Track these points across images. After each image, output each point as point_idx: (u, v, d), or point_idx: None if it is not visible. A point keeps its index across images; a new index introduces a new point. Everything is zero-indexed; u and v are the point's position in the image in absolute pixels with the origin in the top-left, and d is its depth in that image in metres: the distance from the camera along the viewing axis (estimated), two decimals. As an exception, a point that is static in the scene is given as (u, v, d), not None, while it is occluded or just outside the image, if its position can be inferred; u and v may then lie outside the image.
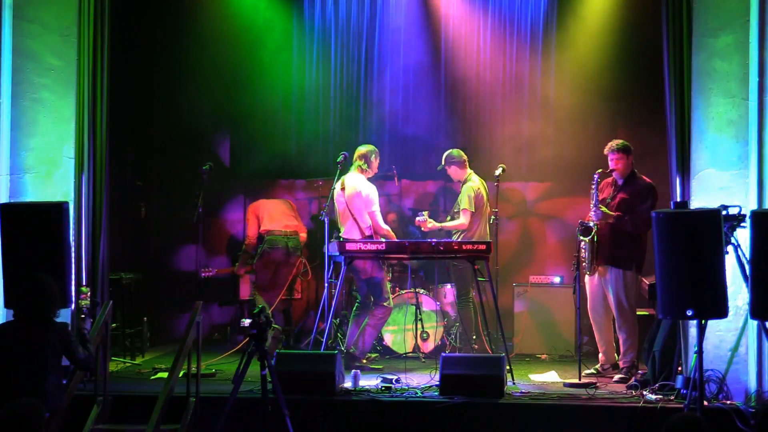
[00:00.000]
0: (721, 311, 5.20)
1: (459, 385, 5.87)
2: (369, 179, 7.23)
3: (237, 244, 8.98)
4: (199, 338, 5.72)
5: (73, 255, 5.97)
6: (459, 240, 7.47)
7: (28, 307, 4.91)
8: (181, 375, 5.54)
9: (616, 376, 6.69)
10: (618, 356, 6.87)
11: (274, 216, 8.19)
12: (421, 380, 6.43)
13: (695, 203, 6.01)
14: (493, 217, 7.71)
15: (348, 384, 6.20)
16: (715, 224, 5.18)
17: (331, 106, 9.07)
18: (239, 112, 9.13)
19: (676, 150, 6.18)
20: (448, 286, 8.10)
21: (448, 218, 7.86)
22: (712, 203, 5.77)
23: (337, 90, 9.04)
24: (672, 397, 5.82)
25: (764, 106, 5.90)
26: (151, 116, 9.24)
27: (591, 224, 6.72)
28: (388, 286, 7.72)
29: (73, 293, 6.08)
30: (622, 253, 6.71)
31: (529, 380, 6.71)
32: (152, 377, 6.75)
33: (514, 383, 6.39)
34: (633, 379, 6.44)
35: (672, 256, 5.20)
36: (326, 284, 7.08)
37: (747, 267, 5.37)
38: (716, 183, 6.02)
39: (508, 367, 6.33)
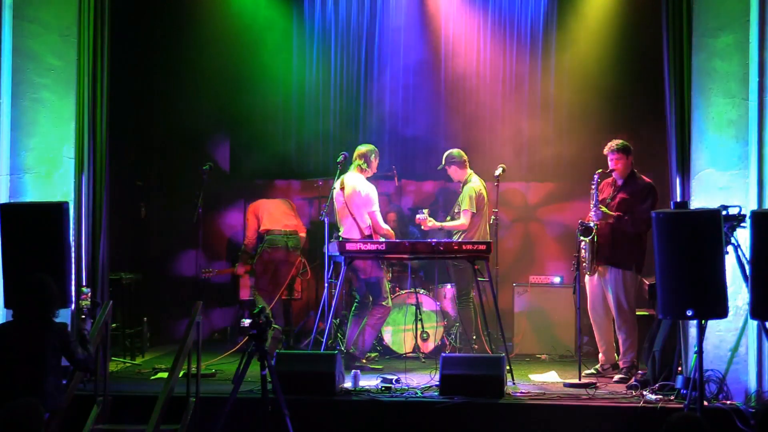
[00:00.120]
0: (721, 311, 5.20)
1: (459, 385, 5.87)
2: (368, 179, 7.24)
3: (237, 244, 8.98)
4: (199, 338, 5.72)
5: (73, 255, 5.96)
6: (459, 240, 7.47)
7: (27, 307, 4.92)
8: (181, 375, 5.54)
9: (616, 376, 6.69)
10: (618, 356, 6.87)
11: (273, 215, 8.19)
12: (421, 380, 6.43)
13: (695, 203, 6.01)
14: (493, 217, 7.71)
15: (348, 384, 6.20)
16: (715, 224, 5.18)
17: (331, 106, 9.07)
18: (239, 112, 9.14)
19: (676, 150, 6.19)
20: (448, 286, 8.10)
21: (448, 218, 7.86)
22: (712, 203, 5.77)
23: (337, 90, 9.04)
24: (672, 397, 5.83)
25: (764, 106, 5.90)
26: (151, 116, 9.24)
27: (591, 224, 6.72)
28: (388, 285, 7.73)
29: (73, 293, 6.08)
30: (621, 253, 6.71)
31: (529, 380, 6.71)
32: (152, 377, 6.75)
33: (514, 383, 6.39)
34: (633, 379, 6.44)
35: (672, 256, 5.20)
36: (326, 284, 7.08)
37: (747, 267, 5.37)
38: (716, 183, 6.02)
39: (508, 367, 6.33)
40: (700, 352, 5.21)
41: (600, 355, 6.99)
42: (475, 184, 7.66)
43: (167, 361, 7.10)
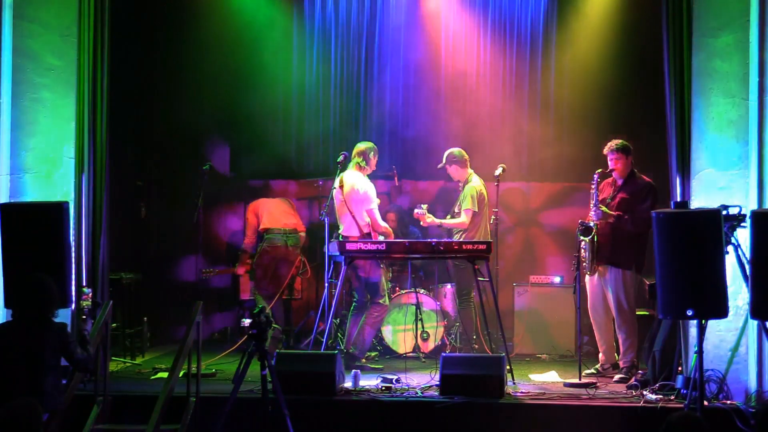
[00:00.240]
0: (721, 311, 5.20)
1: (459, 385, 5.87)
2: (368, 176, 7.25)
3: (237, 243, 8.98)
4: (199, 338, 5.72)
5: (73, 255, 5.96)
6: (460, 240, 7.47)
7: (26, 307, 4.91)
8: (181, 375, 5.54)
9: (617, 376, 6.69)
10: (618, 356, 6.87)
11: (273, 214, 8.19)
12: (421, 380, 6.43)
13: (695, 203, 6.01)
14: (493, 217, 7.71)
15: (348, 384, 6.20)
16: (715, 224, 5.18)
17: (331, 106, 9.07)
18: (239, 112, 9.13)
19: (676, 150, 6.19)
20: (448, 285, 8.10)
21: (448, 217, 7.85)
22: (712, 203, 5.77)
23: (337, 89, 9.04)
24: (672, 397, 5.82)
25: (764, 106, 5.90)
26: (152, 116, 9.23)
27: (591, 224, 6.73)
28: (388, 285, 7.74)
29: (73, 293, 6.08)
30: (621, 253, 6.72)
31: (529, 380, 6.71)
32: (152, 377, 6.75)
33: (514, 383, 6.39)
34: (633, 379, 6.44)
35: (672, 256, 5.20)
36: (326, 284, 7.08)
37: (747, 267, 5.37)
38: (716, 183, 6.02)
39: (508, 367, 6.32)
40: (700, 352, 5.21)
41: (600, 354, 7.00)
42: (475, 183, 7.66)
43: (167, 361, 7.10)
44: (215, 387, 6.12)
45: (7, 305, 5.73)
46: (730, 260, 5.44)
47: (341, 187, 7.11)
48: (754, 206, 5.78)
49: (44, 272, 5.04)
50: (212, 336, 9.01)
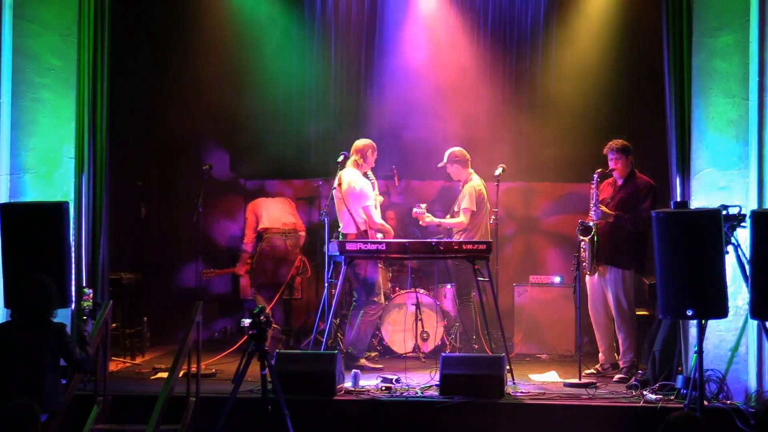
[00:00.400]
0: (721, 311, 5.20)
1: (459, 385, 5.87)
2: (366, 173, 7.27)
3: (237, 243, 8.98)
4: (199, 338, 5.72)
5: (73, 255, 5.96)
6: (460, 240, 7.46)
7: (25, 307, 4.92)
8: (181, 375, 5.54)
9: (616, 376, 6.69)
10: (618, 356, 6.88)
11: (272, 214, 8.20)
12: (421, 380, 6.43)
13: (695, 203, 6.01)
14: (493, 217, 7.71)
15: (348, 384, 6.20)
16: (715, 224, 5.18)
17: (331, 106, 9.06)
18: (239, 112, 9.11)
19: (676, 150, 6.19)
20: (448, 285, 8.10)
21: (448, 216, 7.85)
22: (712, 203, 5.77)
23: (337, 89, 9.02)
24: (672, 397, 5.82)
25: (764, 105, 5.90)
26: (152, 116, 9.22)
27: (590, 224, 6.73)
28: (388, 285, 7.75)
29: (74, 293, 6.08)
30: (621, 253, 6.72)
31: (529, 380, 6.71)
32: (152, 377, 6.75)
33: (514, 383, 6.39)
34: (633, 379, 6.44)
35: (672, 256, 5.20)
36: (326, 284, 7.08)
37: (747, 267, 5.37)
38: (716, 183, 6.02)
39: (508, 367, 6.33)
40: (700, 351, 5.21)
41: (600, 354, 7.00)
42: (475, 182, 7.66)
43: (167, 360, 7.10)
44: (215, 387, 6.12)
45: (6, 305, 5.73)
46: (730, 260, 5.44)
47: (339, 185, 7.13)
48: (754, 206, 5.78)
49: (44, 272, 5.04)
50: (212, 336, 9.00)
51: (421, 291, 7.87)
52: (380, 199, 7.56)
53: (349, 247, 6.73)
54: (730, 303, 5.40)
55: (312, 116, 9.10)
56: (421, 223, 7.66)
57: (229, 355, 7.56)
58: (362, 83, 8.95)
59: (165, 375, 6.24)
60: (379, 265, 7.55)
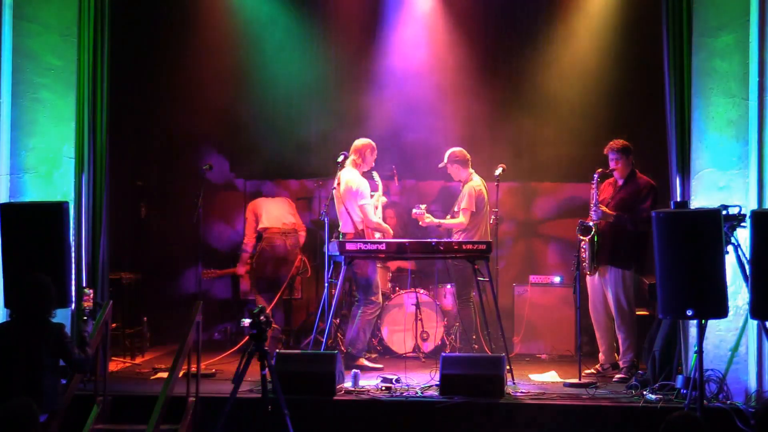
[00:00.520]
0: (721, 311, 5.20)
1: (459, 385, 5.87)
2: (372, 175, 7.29)
3: (237, 243, 8.98)
4: (199, 338, 5.72)
5: (73, 255, 5.96)
6: (459, 240, 7.46)
7: (24, 306, 4.92)
8: (181, 375, 5.54)
9: (617, 376, 6.69)
10: (618, 356, 6.88)
11: (272, 214, 8.20)
12: (421, 380, 6.43)
13: (695, 203, 6.02)
14: (493, 217, 7.71)
15: (348, 384, 6.20)
16: (715, 224, 5.18)
17: (331, 106, 9.06)
18: (240, 111, 9.12)
19: (676, 150, 6.19)
20: (448, 285, 8.10)
21: (448, 217, 7.85)
22: (712, 203, 5.77)
23: (338, 89, 9.02)
24: (672, 397, 5.82)
25: (764, 105, 5.90)
26: (152, 116, 9.22)
27: (590, 224, 6.73)
28: (388, 285, 7.74)
29: (74, 293, 6.08)
30: (621, 253, 6.72)
31: (529, 380, 6.71)
32: (152, 377, 6.75)
33: (514, 383, 6.39)
34: (633, 379, 6.44)
35: (672, 255, 5.20)
36: (326, 284, 7.08)
37: (747, 267, 5.37)
38: (716, 183, 6.02)
39: (508, 367, 6.33)
40: (700, 351, 5.21)
41: (600, 354, 7.00)
42: (475, 183, 7.66)
43: (167, 360, 7.10)
44: (215, 387, 6.12)
45: (6, 305, 5.73)
46: (730, 260, 5.44)
47: (338, 185, 7.14)
48: (754, 206, 5.78)
49: (44, 272, 5.04)
50: (212, 336, 9.00)
51: (421, 291, 7.87)
52: (383, 200, 7.57)
53: (348, 247, 6.73)
54: (730, 303, 5.40)
55: (312, 116, 9.10)
56: (421, 223, 7.66)
57: (229, 355, 7.56)
58: (362, 83, 8.93)
59: (165, 375, 6.24)
60: (379, 265, 7.56)
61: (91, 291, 6.33)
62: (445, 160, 7.71)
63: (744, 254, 5.46)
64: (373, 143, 7.35)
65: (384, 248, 6.80)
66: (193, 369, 5.67)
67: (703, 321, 5.26)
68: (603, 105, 8.63)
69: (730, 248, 5.45)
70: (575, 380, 6.47)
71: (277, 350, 6.51)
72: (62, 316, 5.72)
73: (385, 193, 7.65)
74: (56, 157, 6.45)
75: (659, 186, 6.72)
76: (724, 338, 5.93)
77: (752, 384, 5.81)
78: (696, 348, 5.29)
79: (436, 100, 8.95)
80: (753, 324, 5.78)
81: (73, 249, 5.98)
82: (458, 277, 7.76)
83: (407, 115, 8.90)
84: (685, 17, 6.15)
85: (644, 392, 5.95)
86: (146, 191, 9.31)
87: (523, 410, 5.78)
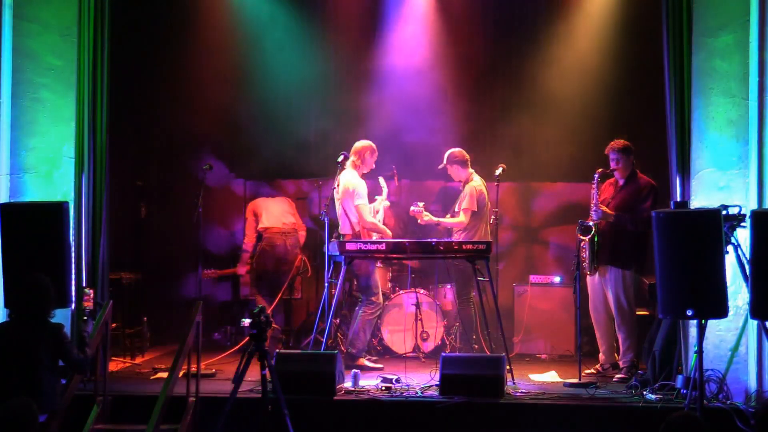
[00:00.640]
0: (721, 311, 5.20)
1: (459, 385, 5.87)
2: (365, 175, 7.29)
3: (237, 243, 8.98)
4: (199, 338, 5.72)
5: (73, 255, 5.96)
6: (460, 240, 7.46)
7: (22, 307, 4.92)
8: (181, 375, 5.54)
9: (617, 376, 6.69)
10: (618, 356, 6.88)
11: (272, 214, 8.20)
12: (421, 380, 6.43)
13: (695, 203, 6.02)
14: (493, 217, 7.71)
15: (348, 384, 6.20)
16: (715, 224, 5.18)
17: (331, 106, 9.06)
18: (240, 111, 9.13)
19: (676, 150, 6.18)
20: (448, 285, 8.10)
21: (448, 216, 7.85)
22: (712, 203, 5.77)
23: (338, 89, 9.02)
24: (672, 397, 5.82)
25: (764, 105, 5.90)
26: (152, 115, 9.23)
27: (590, 223, 6.73)
28: (388, 285, 7.73)
29: (74, 293, 6.07)
30: (622, 253, 6.72)
31: (529, 380, 6.71)
32: (152, 377, 6.75)
33: (514, 383, 6.39)
34: (633, 379, 6.44)
35: (672, 255, 5.20)
36: (326, 284, 7.09)
37: (747, 267, 5.37)
38: (716, 183, 6.02)
39: (508, 367, 6.33)
40: (700, 351, 5.21)
41: (600, 354, 7.00)
42: (476, 182, 7.66)
43: (167, 360, 7.10)
44: (215, 387, 6.13)
45: (6, 305, 5.73)
46: (730, 260, 5.44)
47: (338, 186, 7.16)
48: (754, 206, 5.78)
49: (44, 272, 5.04)
50: (212, 336, 9.00)
51: (421, 291, 7.87)
52: (386, 204, 7.58)
53: (348, 246, 6.74)
54: (730, 303, 5.40)
55: (312, 116, 9.10)
56: (419, 221, 7.66)
57: (229, 355, 7.56)
58: (362, 83, 8.93)
59: (165, 375, 6.24)
60: (379, 265, 7.56)
61: (92, 291, 6.33)
62: (445, 161, 7.71)
63: (744, 254, 5.46)
64: (374, 145, 7.36)
65: (383, 248, 6.80)
66: (193, 369, 5.67)
67: (703, 321, 5.26)
68: (603, 104, 8.64)
69: (730, 248, 5.45)
70: (575, 380, 6.47)
71: (277, 350, 6.51)
72: (62, 316, 5.73)
73: (380, 188, 7.64)
74: (56, 157, 6.45)
75: (659, 186, 6.72)
76: (724, 338, 5.93)
77: (752, 384, 5.80)
78: (696, 348, 5.29)
79: (436, 99, 8.95)
80: (753, 324, 5.78)
81: (73, 249, 5.99)
82: (458, 277, 7.76)
83: (407, 114, 8.90)
84: (685, 17, 6.15)
85: (644, 392, 5.95)
86: (146, 191, 9.31)
87: (523, 410, 5.78)
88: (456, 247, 6.92)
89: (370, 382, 6.32)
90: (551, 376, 6.82)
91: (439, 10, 9.02)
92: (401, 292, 7.94)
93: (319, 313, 7.12)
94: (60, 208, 5.58)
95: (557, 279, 8.28)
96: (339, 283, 6.86)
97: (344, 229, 7.16)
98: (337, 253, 6.80)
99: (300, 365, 6.03)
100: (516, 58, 8.96)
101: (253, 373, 5.40)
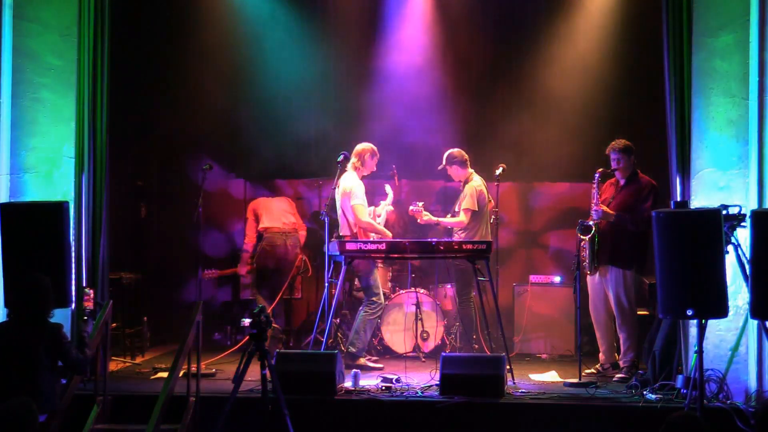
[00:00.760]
0: (721, 311, 5.20)
1: (459, 384, 5.87)
2: (366, 176, 7.31)
3: (237, 243, 8.98)
4: (199, 338, 5.72)
5: (73, 255, 5.96)
6: (460, 239, 7.46)
7: (21, 306, 4.92)
8: (181, 375, 5.54)
9: (617, 376, 6.69)
10: (618, 356, 6.88)
11: (272, 214, 8.20)
12: (422, 380, 6.43)
13: (695, 203, 6.02)
14: (493, 216, 7.71)
15: (348, 384, 6.20)
16: (715, 224, 5.18)
17: (331, 105, 9.05)
18: (239, 111, 9.13)
19: (676, 150, 6.19)
20: (449, 285, 8.10)
21: (448, 216, 7.85)
22: (712, 203, 5.77)
23: (338, 89, 9.02)
24: (672, 397, 5.82)
25: (764, 105, 5.90)
26: (152, 115, 9.22)
27: (590, 223, 6.73)
28: (388, 285, 7.72)
29: (74, 293, 6.07)
30: (622, 253, 6.72)
31: (529, 380, 6.71)
32: (152, 377, 6.75)
33: (514, 383, 6.39)
34: (633, 378, 6.44)
35: (672, 255, 5.20)
36: (326, 284, 7.09)
37: (747, 267, 5.37)
38: (716, 182, 6.02)
39: (508, 367, 6.33)
40: (700, 351, 5.21)
41: (600, 354, 7.00)
42: (476, 182, 7.66)
43: (167, 360, 7.10)
44: (215, 387, 6.13)
45: (6, 305, 5.73)
46: (730, 260, 5.44)
47: (337, 188, 7.19)
48: (754, 206, 5.78)
49: (44, 272, 5.04)
50: (212, 335, 9.00)
51: (421, 291, 7.87)
52: (389, 209, 7.59)
53: (348, 246, 6.74)
54: (730, 303, 5.40)
55: (312, 116, 9.10)
56: (419, 221, 7.66)
57: (229, 355, 7.56)
58: (362, 83, 8.93)
59: (165, 375, 6.24)
60: (379, 265, 7.56)
61: (92, 291, 6.34)
62: (444, 162, 7.71)
63: (744, 254, 5.46)
64: (375, 148, 7.36)
65: (384, 248, 6.80)
66: (193, 369, 5.67)
67: (703, 321, 5.26)
68: (603, 104, 8.64)
69: (730, 248, 5.45)
70: (575, 380, 6.47)
71: (277, 350, 6.51)
72: (63, 316, 5.73)
73: (385, 194, 7.66)
74: (56, 157, 6.45)
75: (659, 186, 6.72)
76: (724, 338, 5.93)
77: (752, 384, 5.80)
78: (696, 348, 5.29)
79: (436, 99, 8.95)
80: (753, 324, 5.78)
81: (73, 249, 5.98)
82: (458, 276, 7.77)
83: (407, 114, 8.89)
84: (685, 17, 6.15)
85: (644, 392, 5.95)
86: (146, 191, 9.31)
87: (523, 410, 5.78)
88: (456, 246, 6.92)
89: (370, 382, 6.32)
90: (551, 376, 6.82)
91: (440, 9, 9.02)
92: (401, 292, 7.94)
93: (319, 313, 7.12)
94: (60, 208, 5.57)
95: (557, 279, 8.28)
96: (339, 283, 6.86)
97: (343, 230, 7.17)
98: (337, 253, 6.80)
99: (300, 365, 6.03)
100: (516, 57, 8.96)
101: (253, 373, 5.40)
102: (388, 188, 7.60)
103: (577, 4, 8.80)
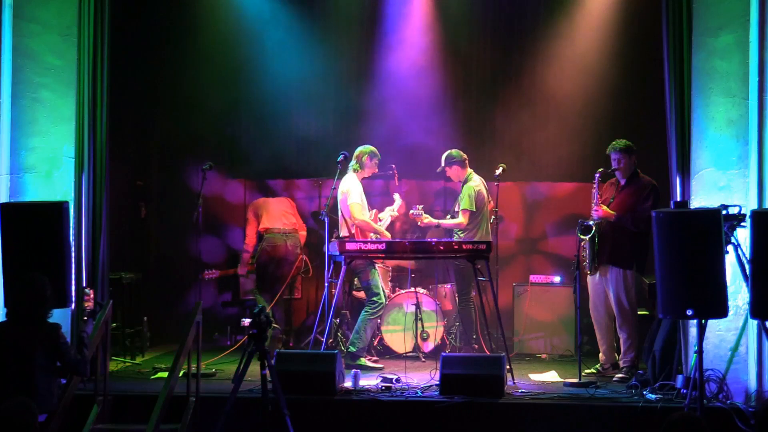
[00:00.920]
0: (721, 311, 5.20)
1: (459, 384, 5.87)
2: (367, 177, 7.33)
3: (237, 243, 8.98)
4: (199, 338, 5.72)
5: (73, 255, 5.96)
6: (460, 239, 7.46)
7: (20, 306, 4.91)
8: (181, 375, 5.54)
9: (617, 376, 6.69)
10: (618, 356, 6.88)
11: (273, 214, 8.20)
12: (422, 380, 6.43)
13: (695, 203, 6.01)
14: (493, 216, 7.71)
15: (348, 384, 6.20)
16: (715, 224, 5.18)
17: (331, 105, 9.06)
18: (239, 111, 9.13)
19: (676, 150, 6.18)
20: (448, 285, 8.10)
21: (448, 217, 7.86)
22: (712, 203, 5.77)
23: (338, 89, 9.02)
24: (672, 397, 5.82)
25: (764, 105, 5.89)
26: (152, 115, 9.23)
27: (591, 223, 6.73)
28: (388, 285, 7.72)
29: (74, 293, 6.07)
30: (622, 253, 6.72)
31: (529, 380, 6.71)
32: (152, 377, 6.75)
33: (514, 383, 6.39)
34: (633, 378, 6.43)
35: (672, 255, 5.20)
36: (326, 284, 7.09)
37: (747, 266, 5.37)
38: (716, 182, 6.02)
39: (508, 367, 6.33)
40: (700, 351, 5.21)
41: (600, 354, 6.99)
42: (474, 182, 7.66)
43: (167, 360, 7.10)
44: (215, 387, 6.13)
45: (6, 305, 5.73)
46: (730, 260, 5.44)
47: (336, 189, 7.19)
48: (754, 206, 5.77)
49: (44, 272, 5.04)
50: (212, 335, 9.00)
51: (421, 291, 7.87)
52: (394, 214, 7.60)
53: (348, 246, 6.75)
54: (730, 303, 5.40)
55: (312, 115, 9.10)
56: (419, 224, 7.67)
57: (229, 355, 7.56)
58: (363, 83, 8.93)
59: (165, 375, 6.24)
60: (379, 265, 7.56)
61: (92, 291, 6.33)
62: (443, 163, 7.72)
63: (744, 254, 5.46)
64: (374, 149, 7.37)
65: (384, 248, 6.81)
66: (193, 369, 5.67)
67: (703, 321, 5.26)
68: (603, 104, 8.65)
69: (730, 248, 5.45)
70: (575, 380, 6.46)
71: (277, 350, 6.51)
72: (62, 316, 5.73)
73: (384, 193, 7.67)
74: (56, 157, 6.45)
75: (659, 186, 6.71)
76: (724, 338, 5.93)
77: (752, 384, 5.80)
78: (696, 348, 5.29)
79: (436, 99, 8.96)
80: (753, 324, 5.78)
81: (73, 249, 5.98)
82: (458, 277, 7.77)
83: (407, 114, 8.90)
84: (685, 17, 6.14)
85: (644, 392, 5.95)
86: (146, 191, 9.31)
87: (523, 410, 5.78)
88: (456, 247, 6.92)
89: (370, 382, 6.32)
90: (551, 376, 6.82)
91: (440, 9, 9.02)
92: (401, 292, 7.94)
93: (319, 313, 7.13)
94: (60, 208, 5.57)
95: (557, 279, 8.28)
96: (339, 283, 6.86)
97: (343, 232, 7.19)
98: (337, 253, 6.80)
99: (300, 365, 6.03)
100: (516, 57, 8.96)
101: (253, 373, 5.39)
102: (396, 196, 7.64)
103: (577, 4, 8.80)
